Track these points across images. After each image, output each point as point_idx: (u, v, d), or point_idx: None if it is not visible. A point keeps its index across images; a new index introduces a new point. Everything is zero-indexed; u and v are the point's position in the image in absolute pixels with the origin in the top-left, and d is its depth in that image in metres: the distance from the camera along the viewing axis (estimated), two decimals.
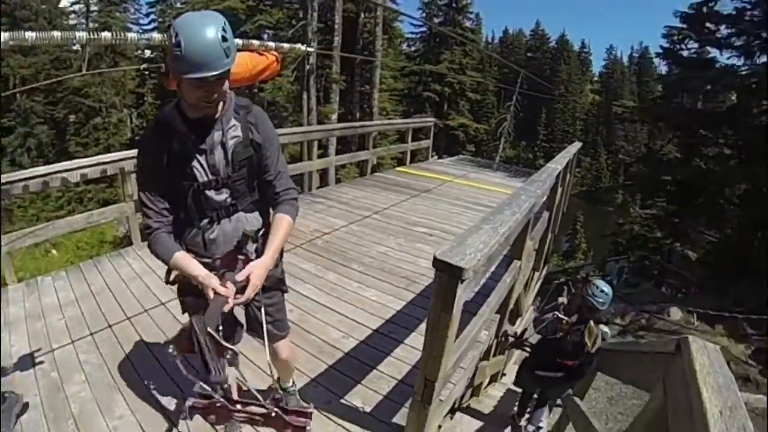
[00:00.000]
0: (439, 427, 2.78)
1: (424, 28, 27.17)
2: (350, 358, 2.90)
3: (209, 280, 1.44)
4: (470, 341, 2.61)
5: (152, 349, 2.92)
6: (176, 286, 1.77)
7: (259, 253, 1.65)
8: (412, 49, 29.30)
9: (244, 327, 1.90)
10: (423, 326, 2.05)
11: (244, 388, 1.93)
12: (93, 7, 30.38)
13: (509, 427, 4.05)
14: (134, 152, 4.47)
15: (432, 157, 11.85)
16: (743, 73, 14.22)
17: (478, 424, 3.67)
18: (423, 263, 4.39)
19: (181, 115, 1.50)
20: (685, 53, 16.20)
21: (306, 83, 14.49)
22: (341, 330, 3.21)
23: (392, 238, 5.15)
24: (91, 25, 28.94)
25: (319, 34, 15.63)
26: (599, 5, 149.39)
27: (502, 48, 53.14)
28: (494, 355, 3.91)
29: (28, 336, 3.03)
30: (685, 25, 15.57)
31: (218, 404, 1.51)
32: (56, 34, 2.72)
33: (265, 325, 1.65)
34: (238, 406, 1.53)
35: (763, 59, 13.94)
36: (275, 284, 1.87)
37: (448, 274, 1.69)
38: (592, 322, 3.06)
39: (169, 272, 1.68)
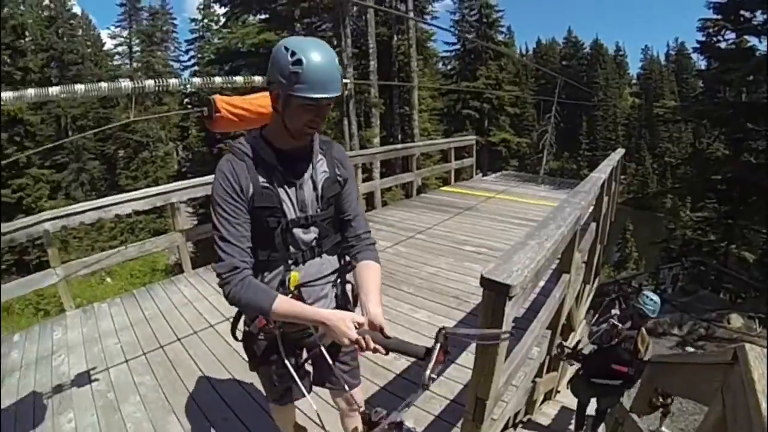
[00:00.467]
0: None
1: (457, 46, 27.28)
2: (402, 379, 2.88)
3: (345, 321, 1.27)
4: (521, 358, 2.55)
5: (203, 370, 3.01)
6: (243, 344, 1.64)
7: (339, 300, 1.58)
8: (448, 67, 29.45)
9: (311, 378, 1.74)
10: (474, 345, 2.02)
11: None
12: (135, 48, 32.26)
13: None
14: (182, 184, 4.73)
15: (476, 174, 11.82)
16: None
17: None
18: (472, 282, 4.33)
19: (269, 144, 1.37)
20: (722, 45, 15.56)
21: (346, 109, 14.76)
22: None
23: (440, 258, 5.12)
24: (134, 65, 30.69)
25: (354, 60, 15.94)
26: (631, 5, 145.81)
27: (537, 58, 52.50)
28: (547, 372, 3.81)
29: (86, 359, 3.18)
30: (719, 16, 15.01)
31: None
32: (103, 85, 2.90)
33: (341, 375, 1.60)
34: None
35: None
36: None
37: (495, 291, 1.67)
38: (644, 330, 3.34)
39: (236, 324, 1.57)
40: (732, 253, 16.04)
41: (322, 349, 1.46)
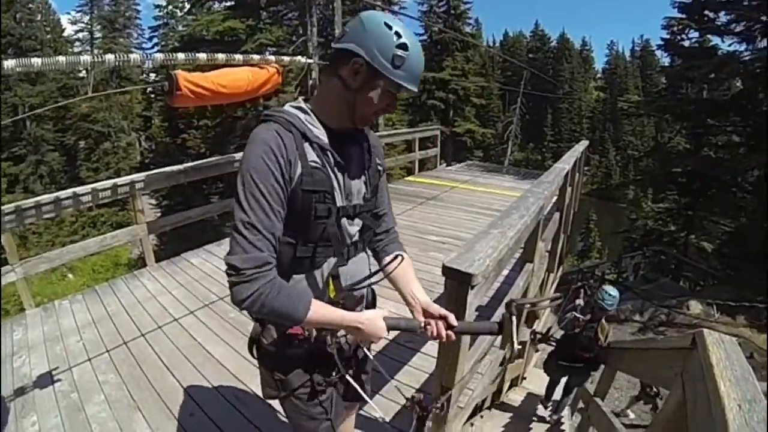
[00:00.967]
0: None
1: (424, 36, 27.27)
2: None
3: (378, 319, 1.20)
4: (486, 346, 2.60)
5: (169, 365, 2.95)
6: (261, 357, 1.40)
7: (369, 302, 1.51)
8: None
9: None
10: None
11: None
12: (97, 34, 31.05)
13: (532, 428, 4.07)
14: (144, 175, 4.60)
15: (441, 164, 11.86)
16: (746, 58, 14.05)
17: (500, 429, 3.64)
18: (436, 271, 4.31)
19: (319, 121, 1.20)
20: (686, 43, 16.10)
21: (310, 98, 14.63)
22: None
23: (405, 248, 5.12)
24: (95, 51, 29.56)
25: (320, 49, 15.71)
26: (598, 2, 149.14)
27: (504, 51, 52.90)
28: (512, 360, 3.89)
29: (48, 359, 3.08)
30: (684, 15, 15.49)
31: None
32: (61, 59, 2.79)
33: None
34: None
35: (765, 42, 13.81)
36: None
37: (457, 281, 1.69)
38: (603, 320, 3.64)
39: (258, 338, 1.32)
40: (691, 243, 16.69)
41: (367, 352, 1.43)
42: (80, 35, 31.91)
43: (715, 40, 15.47)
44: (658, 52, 33.02)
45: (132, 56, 3.24)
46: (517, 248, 2.48)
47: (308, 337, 1.27)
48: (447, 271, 1.69)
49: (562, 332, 3.88)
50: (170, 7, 29.40)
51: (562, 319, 3.82)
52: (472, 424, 3.19)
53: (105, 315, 3.70)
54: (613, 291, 3.65)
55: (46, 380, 2.83)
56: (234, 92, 4.11)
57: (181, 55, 3.65)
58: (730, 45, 14.72)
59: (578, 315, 3.67)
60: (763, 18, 13.56)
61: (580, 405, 4.01)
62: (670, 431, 1.59)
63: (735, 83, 16.40)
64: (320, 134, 1.17)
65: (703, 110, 15.18)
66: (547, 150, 46.33)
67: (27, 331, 3.47)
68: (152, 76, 24.77)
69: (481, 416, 3.40)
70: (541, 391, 4.47)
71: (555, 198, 4.70)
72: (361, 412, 2.48)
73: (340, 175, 1.19)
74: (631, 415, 6.54)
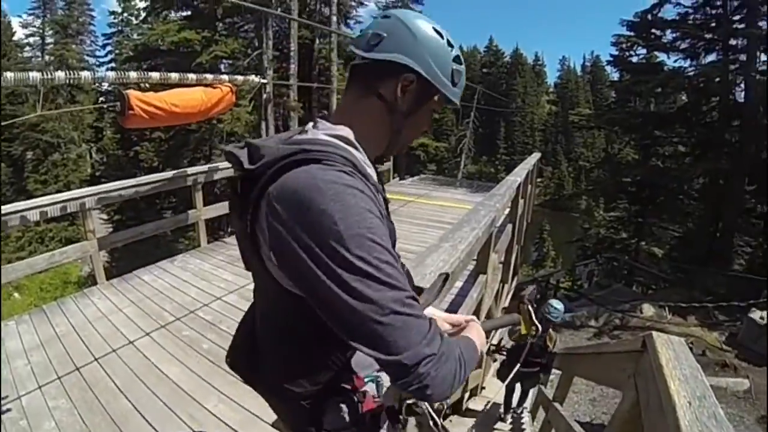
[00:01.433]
0: None
1: None
2: None
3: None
4: None
5: (122, 388, 2.84)
6: None
7: None
8: None
9: None
10: None
11: None
12: (48, 40, 29.85)
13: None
14: (95, 189, 4.44)
15: (393, 178, 11.90)
16: (690, 73, 14.92)
17: None
18: None
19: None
20: (634, 59, 16.92)
21: (264, 112, 14.44)
22: None
23: None
24: (46, 57, 28.40)
25: (275, 62, 15.66)
26: (551, 19, 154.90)
27: None
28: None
29: None
30: (632, 33, 16.29)
31: None
32: (9, 75, 2.69)
33: None
34: None
35: (709, 59, 14.67)
36: None
37: None
38: (551, 330, 4.19)
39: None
40: (642, 249, 17.41)
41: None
42: (31, 39, 30.75)
43: (662, 56, 16.42)
44: (608, 68, 34.27)
45: (83, 74, 3.16)
46: (469, 260, 2.54)
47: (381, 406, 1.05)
48: None
49: (512, 343, 4.17)
50: (125, 14, 28.64)
51: (512, 331, 4.09)
52: (450, 421, 3.23)
53: (54, 336, 3.52)
54: (558, 304, 4.21)
55: None
56: (187, 112, 4.07)
57: (133, 74, 3.58)
58: (675, 61, 15.76)
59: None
60: (707, 36, 14.44)
61: (540, 410, 4.12)
62: (627, 431, 1.66)
63: (680, 97, 17.35)
64: (374, 174, 0.92)
65: (651, 122, 15.98)
66: (500, 162, 47.40)
67: None
68: (105, 85, 23.97)
69: (443, 427, 3.44)
70: (500, 399, 4.65)
71: (508, 210, 4.82)
72: None
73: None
74: None
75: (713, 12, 14.25)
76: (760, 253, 14.88)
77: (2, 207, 3.84)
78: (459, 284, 3.63)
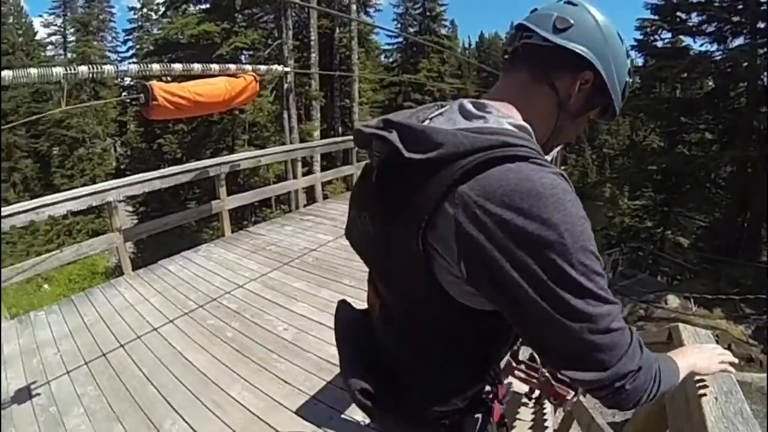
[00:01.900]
0: None
1: (400, 39, 27.36)
2: None
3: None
4: None
5: (148, 375, 2.89)
6: None
7: None
8: (390, 60, 29.44)
9: None
10: None
11: None
12: (70, 38, 30.40)
13: None
14: (120, 181, 4.52)
15: None
16: (717, 58, 14.47)
17: None
18: None
19: None
20: (659, 44, 16.48)
21: (286, 102, 14.53)
22: None
23: None
24: (69, 55, 28.97)
25: (295, 52, 15.71)
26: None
27: (480, 53, 53.33)
28: None
29: (25, 372, 3.00)
30: (656, 17, 15.85)
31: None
32: (33, 71, 2.72)
33: None
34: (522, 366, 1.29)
35: (736, 43, 14.21)
36: None
37: None
38: None
39: None
40: (668, 238, 17.07)
41: None
42: (53, 38, 31.27)
43: (687, 40, 15.94)
44: (632, 53, 33.62)
45: (106, 68, 3.18)
46: None
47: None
48: None
49: None
50: (145, 9, 28.93)
51: None
52: None
53: (82, 325, 3.61)
54: None
55: (23, 394, 2.76)
56: (212, 102, 4.07)
57: (156, 66, 3.59)
58: (701, 45, 15.17)
59: None
60: (734, 18, 13.96)
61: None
62: (651, 425, 1.62)
63: (707, 82, 16.87)
64: None
65: (676, 109, 15.57)
66: None
67: (2, 344, 3.38)
68: (127, 80, 24.37)
69: None
70: (522, 388, 4.57)
71: None
72: (343, 417, 2.49)
73: None
74: None
75: None
76: None
77: (30, 201, 3.95)
78: None
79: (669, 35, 16.10)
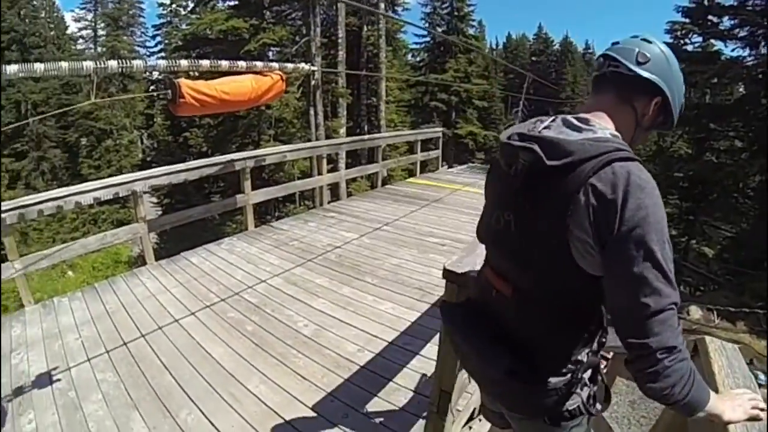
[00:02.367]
0: None
1: (427, 38, 27.22)
2: (366, 371, 2.88)
3: None
4: None
5: (167, 365, 2.94)
6: None
7: None
8: (417, 59, 29.34)
9: None
10: (437, 337, 2.03)
11: None
12: (100, 32, 31.10)
13: None
14: (145, 173, 4.60)
15: (442, 166, 11.80)
16: (749, 63, 14.08)
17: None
18: (436, 273, 4.34)
19: None
20: (689, 48, 16.09)
21: (312, 99, 14.59)
22: (357, 343, 3.20)
23: (405, 250, 5.12)
24: (98, 49, 29.64)
25: (323, 49, 15.76)
26: (602, 5, 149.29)
27: (507, 53, 52.77)
28: None
29: (46, 356, 3.07)
30: (687, 20, 15.50)
31: None
32: (64, 65, 2.77)
33: None
34: None
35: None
36: None
37: (458, 284, 1.67)
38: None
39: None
40: (692, 247, 16.72)
41: None
42: (84, 33, 31.99)
43: (719, 44, 15.48)
44: None
45: (135, 63, 3.23)
46: None
47: None
48: (448, 273, 1.67)
49: None
50: (174, 5, 29.41)
51: None
52: (470, 428, 3.17)
53: (104, 313, 3.69)
54: None
55: (44, 378, 2.82)
56: (238, 100, 4.11)
57: (184, 62, 3.64)
58: (733, 50, 14.75)
59: None
60: (767, 23, 13.57)
61: None
62: None
63: (737, 88, 16.48)
64: None
65: (706, 115, 15.18)
66: None
67: (26, 328, 3.46)
68: (155, 74, 24.81)
69: (480, 419, 3.39)
70: None
71: None
72: (359, 414, 2.48)
73: None
74: None
75: None
76: None
77: (58, 190, 4.04)
78: None
79: (700, 39, 15.72)
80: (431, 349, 2.91)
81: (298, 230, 5.85)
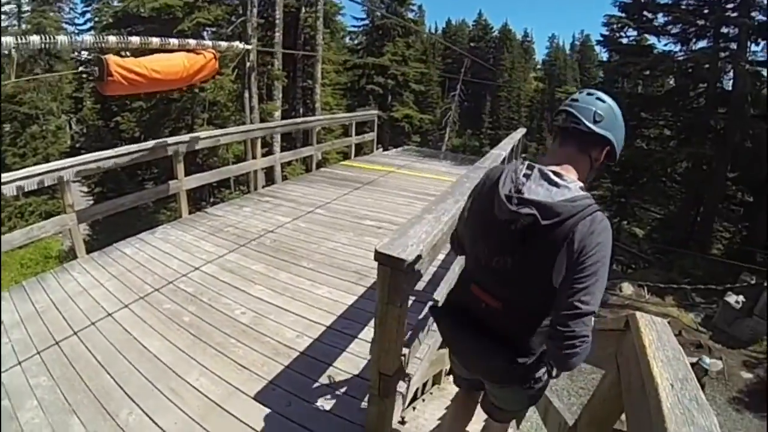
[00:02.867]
0: (403, 418, 2.81)
1: (366, 21, 27.01)
2: (306, 357, 2.88)
3: None
4: (424, 331, 2.64)
5: (103, 363, 2.81)
6: None
7: None
8: (355, 42, 29.04)
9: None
10: (373, 321, 2.06)
11: None
12: (25, 7, 28.72)
13: None
14: (73, 160, 4.33)
15: (377, 149, 11.74)
16: (680, 58, 14.96)
17: (442, 411, 3.73)
18: (372, 256, 4.37)
19: None
20: (624, 41, 16.88)
21: (247, 81, 14.09)
22: (296, 330, 3.18)
23: (341, 233, 5.09)
24: (23, 26, 27.36)
25: (259, 30, 15.23)
26: None
27: (446, 39, 53.05)
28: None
29: None
30: (623, 14, 16.22)
31: None
32: None
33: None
34: None
35: (699, 45, 14.72)
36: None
37: (390, 266, 1.68)
38: None
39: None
40: (624, 228, 17.69)
41: None
42: (6, 8, 29.43)
43: (652, 39, 16.40)
44: (597, 48, 34.53)
45: (60, 38, 3.03)
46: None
47: None
48: (380, 256, 1.69)
49: None
50: None
51: None
52: (414, 408, 3.26)
53: (34, 312, 3.46)
54: None
55: None
56: (169, 78, 3.94)
57: (112, 39, 3.44)
58: (665, 45, 15.69)
59: None
60: (699, 22, 14.43)
61: None
62: (607, 409, 1.68)
63: (668, 81, 17.42)
64: None
65: (637, 104, 16.03)
66: (485, 136, 46.48)
67: None
68: (84, 54, 23.16)
69: (423, 399, 3.48)
70: None
71: None
72: (301, 401, 2.49)
73: None
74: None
75: None
76: (738, 239, 15.24)
77: None
78: (441, 257, 3.60)
79: (634, 33, 16.53)
80: (369, 332, 2.94)
81: (233, 216, 5.70)
